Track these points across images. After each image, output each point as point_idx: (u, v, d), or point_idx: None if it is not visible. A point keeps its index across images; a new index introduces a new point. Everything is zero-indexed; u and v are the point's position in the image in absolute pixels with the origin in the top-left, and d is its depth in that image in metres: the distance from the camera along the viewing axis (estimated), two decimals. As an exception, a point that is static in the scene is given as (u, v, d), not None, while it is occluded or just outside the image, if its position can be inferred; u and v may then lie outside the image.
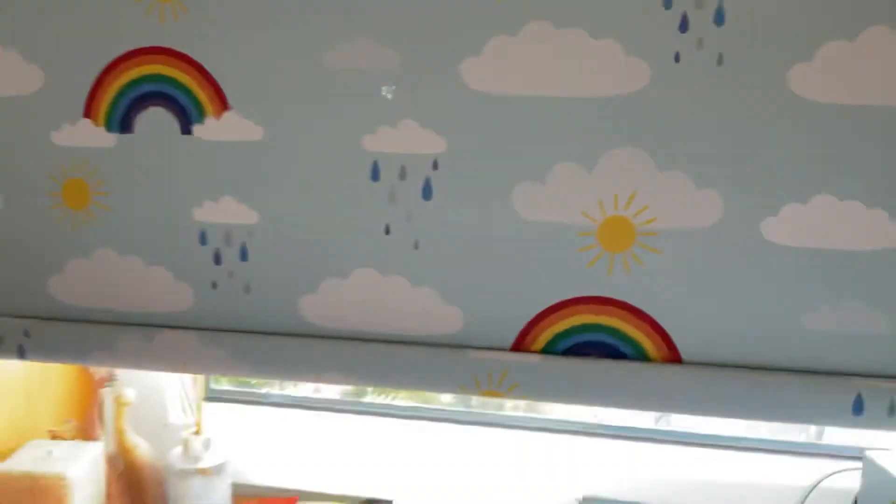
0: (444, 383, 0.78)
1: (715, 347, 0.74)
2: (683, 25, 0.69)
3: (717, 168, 0.71)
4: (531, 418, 1.21)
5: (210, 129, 0.78)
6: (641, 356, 0.76)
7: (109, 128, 0.80)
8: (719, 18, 0.68)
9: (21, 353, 0.86)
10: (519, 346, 0.77)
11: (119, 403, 1.17)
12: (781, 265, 0.71)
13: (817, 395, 0.72)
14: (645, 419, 1.20)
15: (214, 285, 0.82)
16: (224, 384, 1.30)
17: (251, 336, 0.82)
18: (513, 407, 1.25)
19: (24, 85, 0.81)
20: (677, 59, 0.70)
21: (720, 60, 0.69)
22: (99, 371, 1.17)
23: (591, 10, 0.70)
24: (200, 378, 1.26)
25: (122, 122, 0.80)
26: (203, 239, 0.81)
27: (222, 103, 0.78)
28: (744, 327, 0.73)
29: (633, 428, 1.19)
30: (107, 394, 1.18)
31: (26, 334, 0.85)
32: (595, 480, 1.16)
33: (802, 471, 1.07)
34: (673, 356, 0.75)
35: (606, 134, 0.72)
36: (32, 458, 1.09)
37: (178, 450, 1.18)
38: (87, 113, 0.81)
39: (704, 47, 0.69)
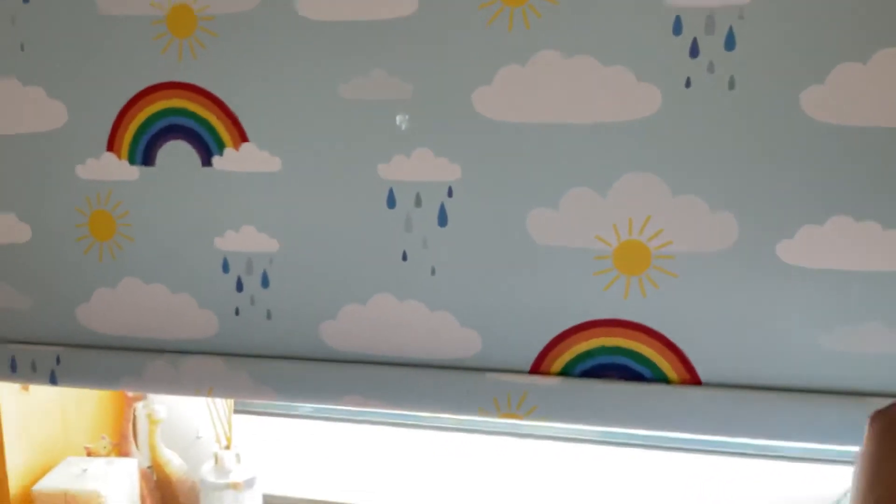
0: (463, 406, 0.79)
1: (733, 368, 0.74)
2: (694, 51, 0.69)
3: (732, 191, 0.71)
4: (558, 428, 1.22)
5: (229, 160, 0.80)
6: (660, 378, 0.76)
7: (132, 161, 0.82)
8: (730, 43, 0.68)
9: (53, 380, 0.88)
10: (537, 369, 0.78)
11: (151, 420, 1.20)
12: (798, 286, 0.71)
13: (835, 415, 0.72)
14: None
15: (237, 312, 0.84)
16: (253, 399, 1.32)
17: (274, 361, 0.83)
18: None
19: (49, 121, 0.84)
20: (688, 84, 0.70)
21: (732, 84, 0.69)
22: (131, 389, 1.20)
23: (601, 39, 0.70)
24: (230, 393, 1.28)
25: (145, 156, 0.82)
26: (225, 267, 0.83)
27: (241, 135, 0.79)
28: (762, 348, 0.73)
29: (660, 437, 1.19)
30: (139, 410, 1.21)
31: (58, 361, 0.88)
32: (623, 491, 1.16)
33: (830, 479, 1.06)
34: (692, 378, 0.75)
35: (619, 159, 0.72)
36: (68, 476, 1.13)
37: (210, 464, 1.20)
38: (111, 147, 0.83)
39: (715, 72, 0.69)
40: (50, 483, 1.11)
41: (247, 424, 1.27)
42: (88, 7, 0.81)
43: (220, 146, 0.80)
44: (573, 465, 1.18)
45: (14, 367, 0.89)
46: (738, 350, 0.74)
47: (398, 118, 0.76)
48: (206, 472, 1.19)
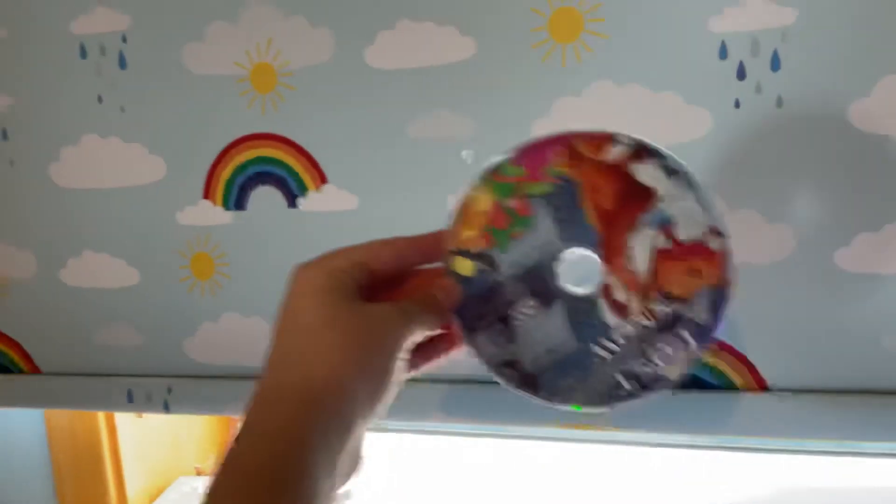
0: (541, 419, 0.84)
1: (799, 373, 0.77)
2: (741, 73, 0.72)
3: (787, 203, 0.74)
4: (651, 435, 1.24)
5: (312, 201, 0.87)
6: (728, 385, 0.79)
7: (226, 206, 0.90)
8: (775, 64, 0.71)
9: (166, 408, 0.97)
10: (609, 381, 0.82)
11: (253, 439, 1.28)
12: (857, 291, 0.73)
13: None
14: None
15: (327, 339, 0.90)
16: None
17: (363, 383, 0.90)
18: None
19: (150, 174, 0.92)
20: (737, 105, 0.73)
21: (780, 103, 0.72)
22: (233, 412, 1.29)
23: (650, 67, 0.74)
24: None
25: (237, 201, 0.90)
26: (313, 298, 0.90)
27: (321, 178, 0.86)
28: (826, 352, 0.76)
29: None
30: (241, 431, 1.30)
31: (169, 391, 0.96)
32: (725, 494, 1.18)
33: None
34: (759, 384, 0.78)
35: (675, 179, 0.76)
36: (182, 494, 1.22)
37: (308, 479, 1.28)
38: (206, 195, 0.91)
39: (763, 92, 0.72)
40: (165, 501, 1.21)
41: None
42: (179, 70, 0.89)
43: (303, 189, 0.87)
44: (649, 470, 1.20)
45: (131, 399, 0.98)
46: (802, 355, 0.76)
47: (464, 153, 0.81)
48: (306, 486, 1.27)
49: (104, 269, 0.97)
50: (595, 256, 0.57)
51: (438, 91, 0.81)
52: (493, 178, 0.59)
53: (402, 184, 0.84)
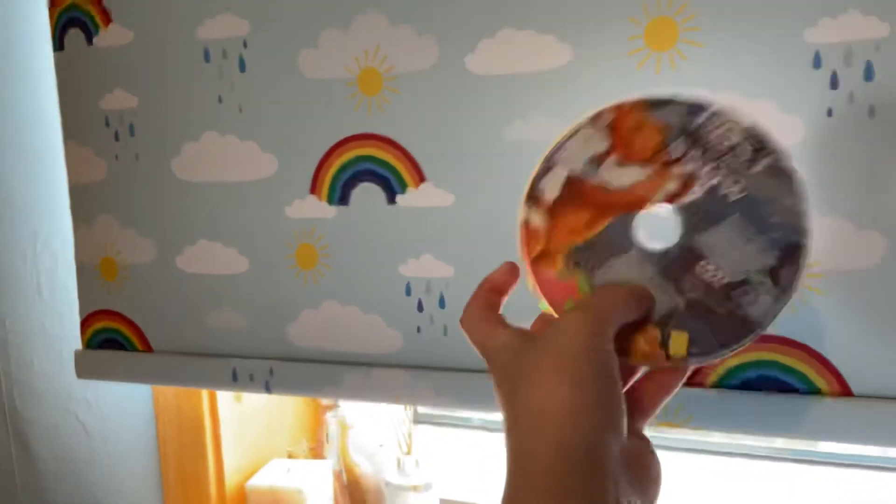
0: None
1: (885, 380, 0.77)
2: (834, 83, 0.74)
3: (876, 211, 0.75)
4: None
5: (410, 198, 0.92)
6: (813, 390, 0.80)
7: (331, 201, 0.97)
8: (868, 74, 0.73)
9: (267, 388, 1.04)
10: (692, 381, 0.84)
11: (342, 427, 1.35)
12: (949, 302, 0.74)
13: None
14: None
15: (419, 329, 0.95)
16: (431, 409, 1.44)
17: (451, 372, 0.94)
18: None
19: (263, 170, 1.00)
20: (830, 113, 0.75)
21: (872, 112, 0.73)
22: (325, 400, 1.36)
23: (745, 75, 0.77)
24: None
25: (341, 196, 0.96)
26: (408, 290, 0.95)
27: (420, 176, 0.91)
28: (914, 362, 0.76)
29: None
30: (332, 419, 1.36)
31: (271, 373, 1.03)
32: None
33: None
34: (843, 389, 0.79)
35: (764, 185, 0.78)
36: (275, 475, 1.29)
37: (393, 468, 1.33)
38: (313, 190, 0.97)
39: (855, 101, 0.73)
40: (260, 481, 1.28)
41: (425, 434, 1.39)
42: (294, 74, 0.96)
43: (403, 186, 0.92)
44: (729, 479, 1.21)
45: (235, 378, 1.05)
46: (887, 361, 0.77)
47: (557, 156, 0.85)
48: (390, 475, 1.32)
49: (217, 256, 1.05)
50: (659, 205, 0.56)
51: (535, 96, 0.85)
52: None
53: (496, 184, 0.88)
